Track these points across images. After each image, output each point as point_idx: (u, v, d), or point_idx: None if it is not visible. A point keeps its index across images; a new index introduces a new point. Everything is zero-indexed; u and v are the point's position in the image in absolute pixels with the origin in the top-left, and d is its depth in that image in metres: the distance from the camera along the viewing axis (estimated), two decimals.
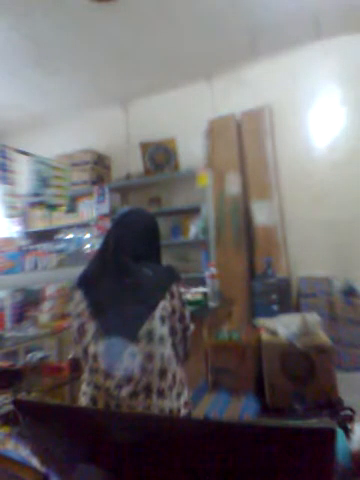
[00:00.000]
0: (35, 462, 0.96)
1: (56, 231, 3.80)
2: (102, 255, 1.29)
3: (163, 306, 1.17)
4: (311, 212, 3.56)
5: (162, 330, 1.16)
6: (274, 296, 3.23)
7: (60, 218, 4.20)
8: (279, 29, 3.34)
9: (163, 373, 1.15)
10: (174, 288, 1.22)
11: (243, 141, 3.75)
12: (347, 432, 1.39)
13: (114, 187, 4.22)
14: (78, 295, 1.24)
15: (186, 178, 3.85)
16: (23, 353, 2.43)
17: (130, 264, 1.22)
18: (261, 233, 3.59)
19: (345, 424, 1.54)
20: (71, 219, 4.15)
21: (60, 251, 2.81)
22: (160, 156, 3.98)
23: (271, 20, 3.21)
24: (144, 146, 4.01)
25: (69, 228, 3.99)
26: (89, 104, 4.48)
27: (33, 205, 3.14)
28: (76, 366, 2.03)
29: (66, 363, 2.23)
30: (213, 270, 2.75)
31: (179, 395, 1.19)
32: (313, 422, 0.53)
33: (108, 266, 1.24)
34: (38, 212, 4.11)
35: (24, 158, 2.97)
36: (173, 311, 1.21)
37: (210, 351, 2.53)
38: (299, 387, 2.28)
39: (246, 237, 3.65)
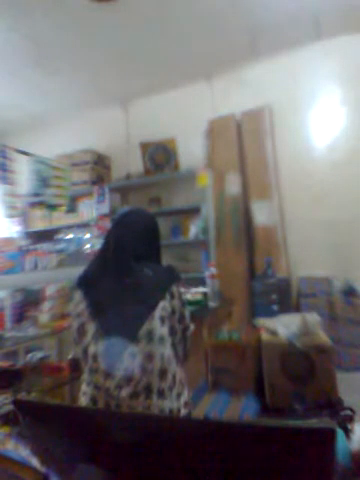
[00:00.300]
0: (35, 462, 0.96)
1: (56, 231, 3.80)
2: (102, 255, 1.29)
3: (163, 306, 1.17)
4: (311, 212, 3.56)
5: (162, 330, 1.16)
6: (274, 296, 3.22)
7: (60, 218, 4.20)
8: (279, 29, 3.34)
9: (163, 373, 1.15)
10: (174, 288, 1.22)
11: (243, 141, 3.75)
12: (347, 432, 1.39)
13: (114, 187, 4.22)
14: (78, 295, 1.24)
15: (186, 178, 3.85)
16: (23, 353, 2.43)
17: (130, 264, 1.22)
18: (261, 233, 3.59)
19: (345, 424, 1.53)
20: (71, 219, 4.15)
21: (60, 251, 2.81)
22: (160, 156, 3.98)
23: (271, 20, 3.21)
24: (144, 146, 4.01)
25: (69, 228, 3.99)
26: (89, 104, 4.48)
27: (33, 205, 3.14)
28: (76, 366, 2.03)
29: (66, 363, 2.23)
30: (213, 270, 2.75)
31: (179, 395, 1.19)
32: (313, 422, 0.53)
33: (108, 266, 1.24)
34: (38, 212, 4.11)
35: (24, 158, 2.97)
36: (173, 311, 1.21)
37: (210, 351, 2.53)
38: (299, 387, 2.28)
39: (246, 237, 3.65)
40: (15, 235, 4.00)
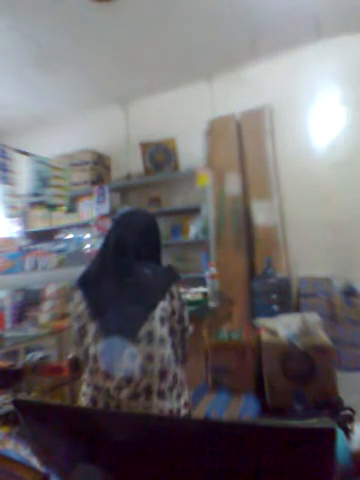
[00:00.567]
0: (35, 462, 0.96)
1: (56, 231, 3.81)
2: (102, 255, 1.29)
3: (163, 307, 1.17)
4: (311, 212, 3.56)
5: (162, 331, 1.16)
6: (274, 296, 3.22)
7: (60, 218, 4.20)
8: (279, 29, 3.34)
9: (163, 374, 1.15)
10: (174, 289, 1.22)
11: (243, 141, 3.75)
12: (347, 432, 1.39)
13: (114, 187, 4.22)
14: (78, 295, 1.24)
15: (186, 178, 3.85)
16: (23, 353, 2.43)
17: (130, 264, 1.22)
18: (261, 233, 3.59)
19: (345, 424, 1.54)
20: (71, 219, 4.15)
21: (60, 251, 2.81)
22: (160, 156, 3.99)
23: (271, 20, 3.20)
24: (144, 146, 4.01)
25: (69, 228, 4.00)
26: (89, 104, 4.48)
27: (33, 205, 3.14)
28: (76, 366, 2.03)
29: (66, 363, 2.23)
30: (213, 270, 2.75)
31: (179, 396, 1.19)
32: (313, 422, 0.53)
33: (108, 266, 1.24)
34: (38, 212, 4.10)
35: (24, 158, 2.97)
36: (173, 312, 1.21)
37: (210, 351, 2.53)
38: (299, 387, 2.28)
39: (246, 237, 3.64)
40: (15, 235, 4.00)
